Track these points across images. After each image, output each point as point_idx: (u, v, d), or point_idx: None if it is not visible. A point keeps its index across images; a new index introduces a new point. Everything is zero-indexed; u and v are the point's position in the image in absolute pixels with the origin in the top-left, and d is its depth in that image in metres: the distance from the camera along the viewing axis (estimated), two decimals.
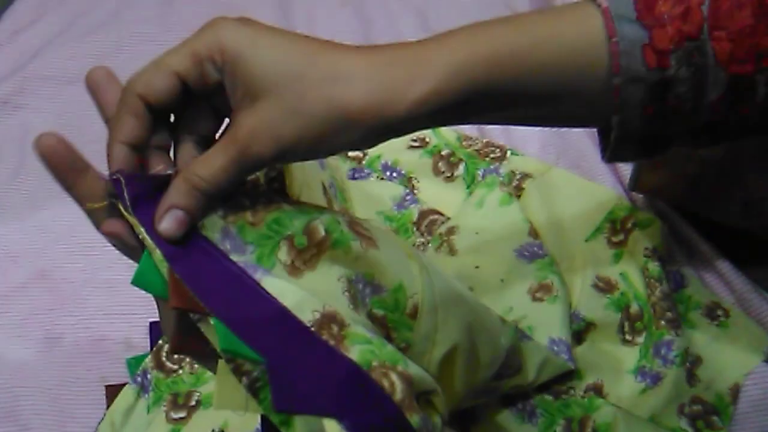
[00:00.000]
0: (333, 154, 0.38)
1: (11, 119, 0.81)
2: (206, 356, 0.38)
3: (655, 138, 0.39)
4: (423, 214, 0.70)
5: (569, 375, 0.60)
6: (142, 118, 0.37)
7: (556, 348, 0.58)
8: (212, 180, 0.36)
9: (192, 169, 0.36)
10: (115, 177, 0.36)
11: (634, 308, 0.63)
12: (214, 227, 0.36)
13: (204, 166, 0.36)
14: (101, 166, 0.79)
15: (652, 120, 0.38)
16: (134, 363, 0.63)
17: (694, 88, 0.37)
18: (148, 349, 0.64)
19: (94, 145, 0.77)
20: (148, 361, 0.63)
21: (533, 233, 0.66)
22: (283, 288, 0.36)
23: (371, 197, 0.70)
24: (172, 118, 0.39)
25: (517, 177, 0.72)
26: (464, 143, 0.74)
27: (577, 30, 0.37)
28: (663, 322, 0.61)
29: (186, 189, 0.36)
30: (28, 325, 0.67)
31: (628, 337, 0.62)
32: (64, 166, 0.37)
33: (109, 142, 0.38)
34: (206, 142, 0.39)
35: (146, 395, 0.62)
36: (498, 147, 0.74)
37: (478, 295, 0.57)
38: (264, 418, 0.37)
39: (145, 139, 0.38)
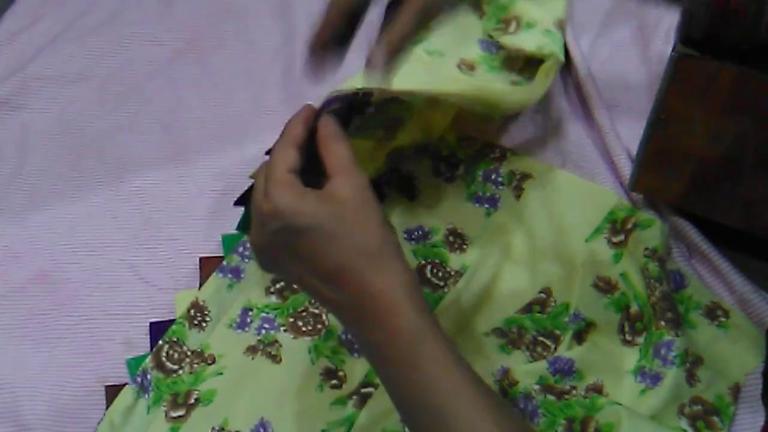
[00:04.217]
0: None
1: (11, 119, 0.81)
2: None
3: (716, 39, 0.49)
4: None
5: (571, 375, 0.60)
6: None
7: None
8: (400, 37, 0.50)
9: (384, 38, 0.50)
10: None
11: (634, 308, 0.63)
12: None
13: (392, 32, 0.50)
14: (101, 164, 0.80)
15: (717, 17, 0.48)
16: (134, 363, 0.63)
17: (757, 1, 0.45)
18: (148, 349, 0.64)
19: (94, 145, 0.78)
20: (148, 361, 0.63)
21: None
22: None
23: None
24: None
25: (517, 177, 0.72)
26: (464, 144, 0.74)
27: None
28: (663, 323, 0.61)
29: (383, 51, 0.50)
30: (28, 326, 0.67)
31: (628, 337, 0.62)
32: None
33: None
34: None
35: (146, 395, 0.62)
36: (498, 147, 0.74)
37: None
38: None
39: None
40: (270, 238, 0.47)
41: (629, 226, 0.67)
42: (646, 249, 0.64)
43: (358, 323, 0.46)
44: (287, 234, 0.46)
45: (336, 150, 0.48)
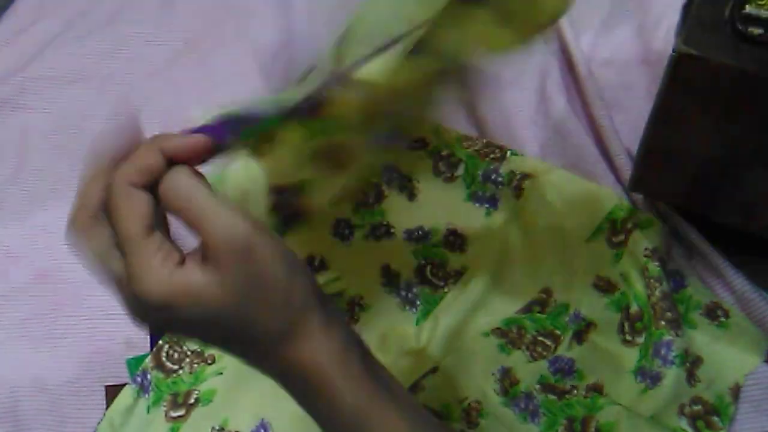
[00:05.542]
0: None
1: (11, 119, 0.81)
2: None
3: None
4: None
5: (571, 375, 0.60)
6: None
7: None
8: None
9: None
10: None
11: (634, 308, 0.63)
12: None
13: None
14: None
15: None
16: (134, 363, 0.63)
17: None
18: (148, 349, 0.64)
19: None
20: (148, 361, 0.63)
21: None
22: None
23: None
24: None
25: (517, 177, 0.72)
26: (464, 143, 0.74)
27: None
28: (663, 323, 0.61)
29: None
30: (29, 326, 0.67)
31: (628, 337, 0.62)
32: None
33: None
34: None
35: (146, 395, 0.62)
36: (498, 147, 0.74)
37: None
38: None
39: None
40: (155, 324, 0.39)
41: (629, 226, 0.67)
42: (646, 249, 0.64)
43: (298, 396, 0.40)
44: (178, 327, 0.38)
45: (197, 208, 0.36)
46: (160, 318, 0.37)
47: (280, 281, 0.37)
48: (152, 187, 0.37)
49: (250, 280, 0.36)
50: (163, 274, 0.35)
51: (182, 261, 0.37)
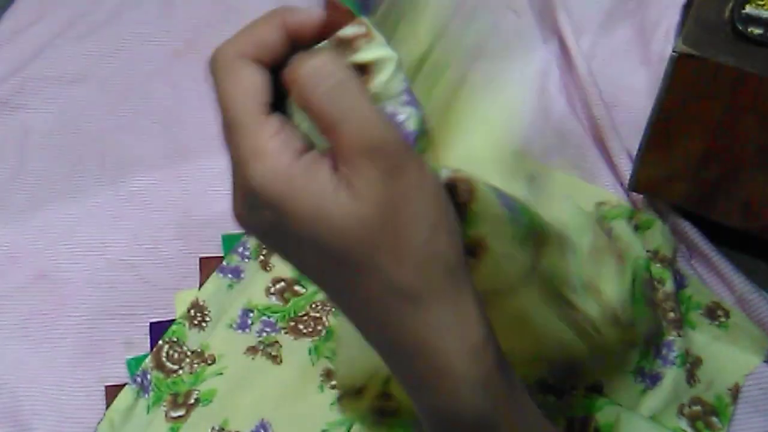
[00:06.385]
0: None
1: (11, 119, 0.81)
2: None
3: None
4: None
5: (570, 375, 0.60)
6: None
7: None
8: None
9: None
10: None
11: None
12: None
13: None
14: (101, 164, 0.79)
15: None
16: (134, 363, 0.63)
17: None
18: (148, 349, 0.64)
19: (94, 145, 0.78)
20: (148, 361, 0.63)
21: None
22: None
23: None
24: None
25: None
26: None
27: None
28: (665, 323, 0.61)
29: None
30: (28, 326, 0.67)
31: None
32: None
33: None
34: None
35: (146, 395, 0.62)
36: None
37: None
38: None
39: None
40: (259, 228, 0.31)
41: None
42: (647, 250, 0.64)
43: (403, 374, 0.32)
44: (284, 237, 0.30)
45: (342, 104, 0.28)
46: (266, 221, 0.29)
47: (426, 223, 0.28)
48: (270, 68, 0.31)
49: (393, 204, 0.27)
50: (281, 162, 0.28)
51: (306, 152, 0.29)
